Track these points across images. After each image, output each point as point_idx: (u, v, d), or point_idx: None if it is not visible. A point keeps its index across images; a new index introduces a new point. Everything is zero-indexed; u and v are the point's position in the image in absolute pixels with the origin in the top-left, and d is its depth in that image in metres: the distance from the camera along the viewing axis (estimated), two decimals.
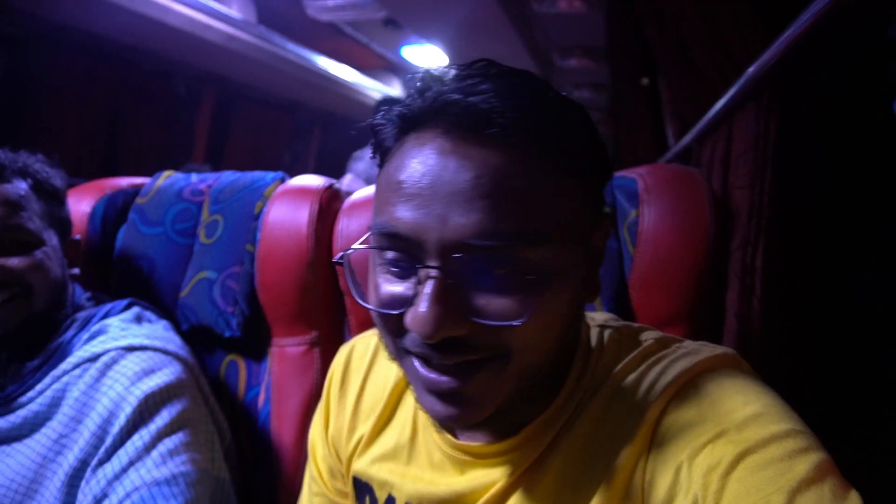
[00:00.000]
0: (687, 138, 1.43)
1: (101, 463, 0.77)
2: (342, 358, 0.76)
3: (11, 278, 0.84)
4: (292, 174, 1.13)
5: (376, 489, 0.67)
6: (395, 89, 4.61)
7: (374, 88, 4.26)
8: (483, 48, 3.27)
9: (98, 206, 1.13)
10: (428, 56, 3.98)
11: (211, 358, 1.07)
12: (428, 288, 0.47)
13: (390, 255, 0.50)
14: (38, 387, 0.84)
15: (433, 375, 0.50)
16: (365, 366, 0.73)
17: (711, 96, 1.23)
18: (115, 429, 0.78)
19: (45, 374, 0.85)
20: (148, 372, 0.83)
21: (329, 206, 1.01)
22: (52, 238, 0.90)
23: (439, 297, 0.46)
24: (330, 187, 1.05)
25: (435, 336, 0.46)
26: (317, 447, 0.76)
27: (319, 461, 0.76)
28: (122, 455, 0.76)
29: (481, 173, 0.46)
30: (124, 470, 0.75)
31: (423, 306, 0.46)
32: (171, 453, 0.78)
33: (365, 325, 0.96)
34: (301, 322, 1.02)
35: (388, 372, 0.70)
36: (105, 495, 0.75)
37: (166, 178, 1.18)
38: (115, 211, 1.14)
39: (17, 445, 0.82)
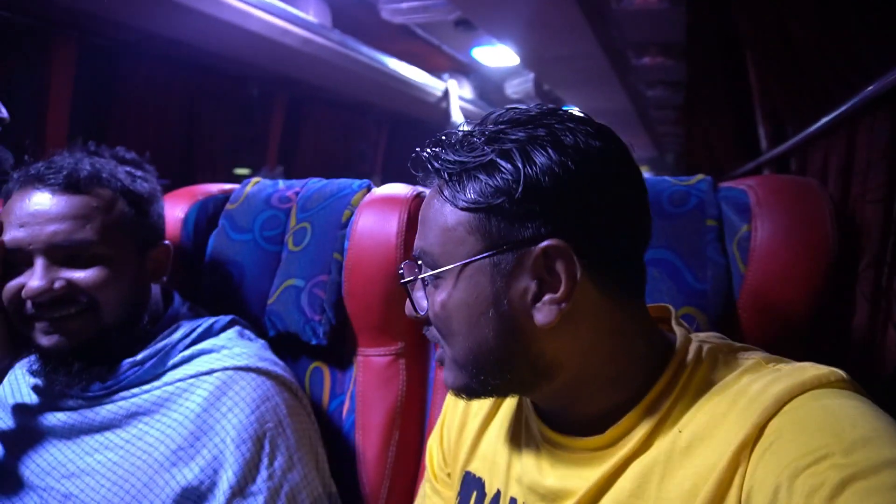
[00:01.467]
0: (788, 143, 1.34)
1: (235, 495, 0.79)
2: None
3: (77, 294, 0.84)
4: (360, 175, 1.13)
5: (487, 485, 0.69)
6: (464, 90, 4.59)
7: (443, 90, 4.25)
8: (557, 47, 3.21)
9: (191, 211, 1.15)
10: (499, 56, 3.94)
11: (296, 365, 1.07)
12: None
13: None
14: (143, 386, 0.86)
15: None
16: None
17: (820, 97, 1.14)
18: (238, 464, 0.80)
19: (149, 373, 0.87)
20: (265, 399, 0.85)
21: (417, 215, 1.00)
22: (128, 249, 0.89)
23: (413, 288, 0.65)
24: (418, 196, 1.03)
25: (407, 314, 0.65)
26: (433, 459, 0.80)
27: (436, 470, 0.80)
28: (258, 495, 0.80)
29: (425, 205, 0.64)
30: None
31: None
32: (295, 493, 0.83)
33: None
34: (387, 333, 1.00)
35: None
36: None
37: (254, 184, 1.19)
38: (206, 217, 1.16)
39: (116, 440, 0.84)
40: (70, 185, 0.85)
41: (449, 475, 0.77)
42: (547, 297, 0.57)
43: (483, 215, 0.57)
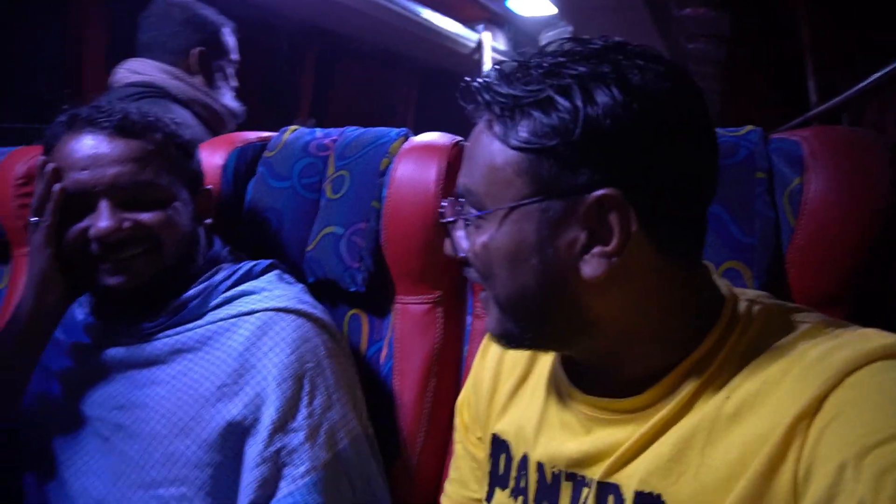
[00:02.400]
0: (841, 97, 1.29)
1: (277, 431, 0.82)
2: None
3: (143, 234, 0.86)
4: (394, 126, 1.12)
5: (512, 448, 0.68)
6: (498, 42, 4.49)
7: (476, 41, 4.16)
8: None
9: (230, 159, 1.16)
10: (535, 6, 3.83)
11: (335, 311, 1.09)
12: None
13: None
14: (186, 325, 0.89)
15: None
16: None
17: (877, 50, 1.09)
18: (279, 401, 0.82)
19: (192, 313, 0.90)
20: (304, 340, 0.87)
21: (457, 164, 0.98)
22: (181, 192, 0.92)
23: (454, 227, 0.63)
24: (457, 144, 1.02)
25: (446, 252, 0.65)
26: (463, 420, 0.79)
27: (466, 432, 0.79)
28: (299, 431, 0.82)
29: (472, 140, 0.60)
30: (301, 444, 0.82)
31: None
32: (334, 430, 0.84)
33: None
34: (425, 281, 1.01)
35: None
36: (284, 464, 0.81)
37: (292, 132, 1.19)
38: (245, 164, 1.17)
39: (163, 375, 0.87)
40: (124, 129, 0.87)
41: (480, 438, 0.76)
42: (597, 249, 0.53)
43: (534, 156, 0.53)
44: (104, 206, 0.84)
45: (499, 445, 0.70)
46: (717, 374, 0.54)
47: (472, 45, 4.10)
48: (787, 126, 2.40)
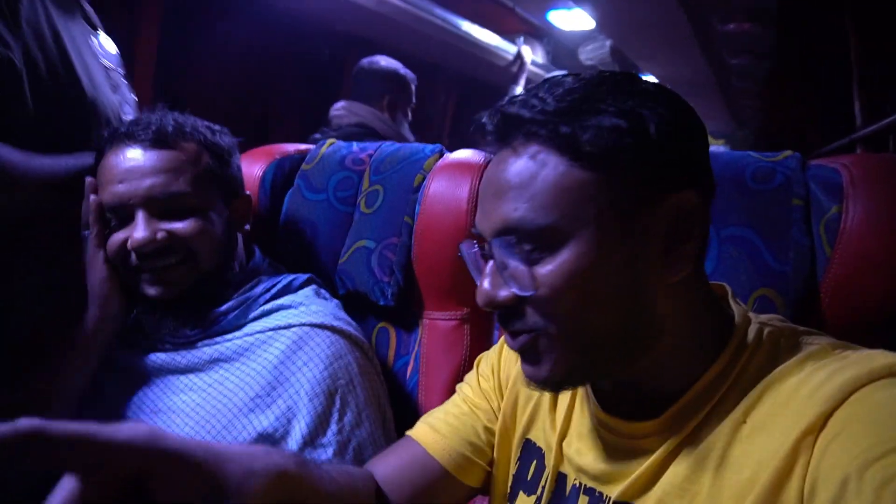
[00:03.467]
0: (889, 119, 1.26)
1: (307, 445, 0.83)
2: None
3: (178, 243, 0.88)
4: (428, 140, 1.13)
5: (546, 457, 0.69)
6: (537, 55, 4.49)
7: (514, 53, 4.17)
8: (636, 11, 3.09)
9: (268, 170, 1.19)
10: (575, 20, 3.82)
11: (364, 324, 1.10)
12: (486, 268, 0.57)
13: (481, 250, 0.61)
14: (226, 335, 0.91)
15: (509, 339, 0.58)
16: None
17: None
18: (310, 416, 0.84)
19: (231, 324, 0.92)
20: (338, 357, 0.89)
21: None
22: (216, 200, 0.94)
23: (489, 273, 0.57)
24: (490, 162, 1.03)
25: (484, 305, 0.57)
26: (479, 373, 0.80)
27: (481, 383, 0.79)
28: (328, 447, 0.84)
29: (512, 172, 0.55)
30: (329, 460, 0.83)
31: (482, 283, 0.57)
32: (362, 448, 0.86)
33: None
34: (453, 297, 1.02)
35: None
36: None
37: (329, 145, 1.21)
38: (282, 176, 1.20)
39: (200, 382, 0.89)
40: (159, 140, 0.89)
41: (495, 409, 0.75)
42: (680, 249, 0.55)
43: (608, 167, 0.53)
44: (140, 216, 0.87)
45: (531, 451, 0.71)
46: (727, 395, 0.55)
47: (511, 57, 4.11)
48: (830, 147, 2.34)
